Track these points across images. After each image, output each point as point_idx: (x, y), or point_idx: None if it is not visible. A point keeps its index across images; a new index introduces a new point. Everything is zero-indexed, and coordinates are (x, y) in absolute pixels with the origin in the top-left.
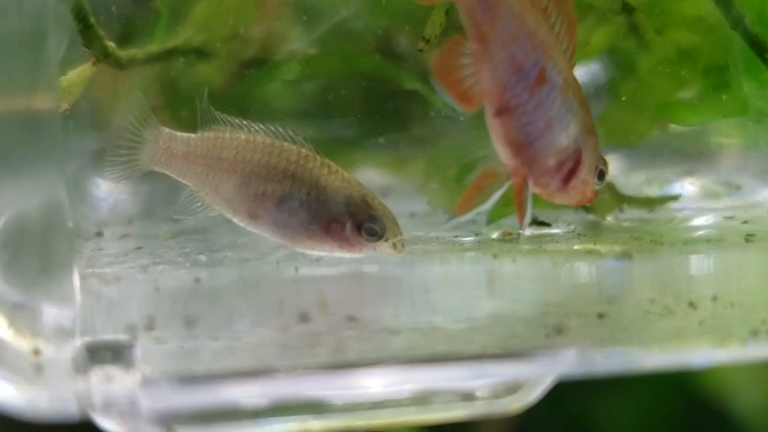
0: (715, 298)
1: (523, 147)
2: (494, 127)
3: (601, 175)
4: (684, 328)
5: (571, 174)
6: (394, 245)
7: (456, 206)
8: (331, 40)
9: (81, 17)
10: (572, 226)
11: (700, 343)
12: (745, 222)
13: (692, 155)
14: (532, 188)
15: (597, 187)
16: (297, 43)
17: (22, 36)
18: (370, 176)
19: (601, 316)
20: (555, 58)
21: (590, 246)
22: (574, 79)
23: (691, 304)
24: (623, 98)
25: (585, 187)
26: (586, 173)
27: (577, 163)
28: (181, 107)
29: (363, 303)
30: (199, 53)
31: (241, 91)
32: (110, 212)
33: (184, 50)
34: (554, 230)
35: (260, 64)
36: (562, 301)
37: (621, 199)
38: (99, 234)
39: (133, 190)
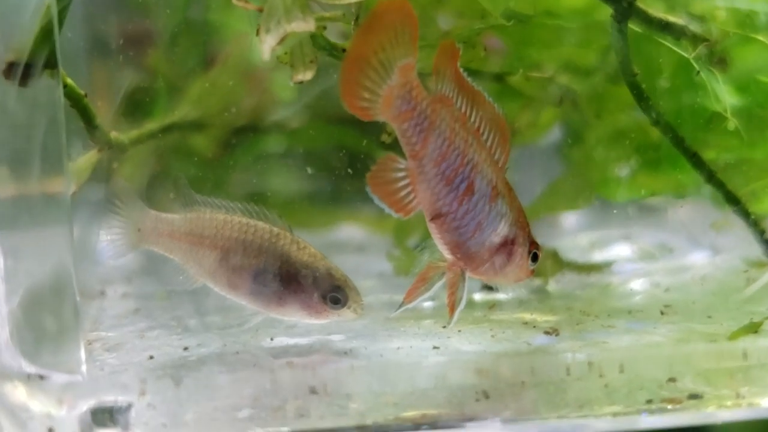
0: (622, 369)
1: (458, 246)
2: (432, 228)
3: (535, 257)
4: (591, 394)
5: (504, 263)
6: (355, 310)
7: (405, 296)
8: (312, 111)
9: (87, 119)
10: (518, 291)
11: (602, 410)
12: (667, 290)
13: (632, 220)
14: (473, 275)
15: (532, 268)
16: (282, 114)
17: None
18: (349, 232)
19: (523, 383)
20: (484, 171)
21: (528, 316)
22: (505, 184)
23: (601, 375)
24: (570, 169)
25: (520, 270)
26: (519, 260)
27: (509, 254)
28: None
29: (327, 370)
30: (194, 126)
31: (232, 157)
32: (112, 268)
33: (181, 125)
34: (501, 295)
35: (249, 133)
36: (494, 369)
37: (562, 265)
38: (102, 293)
39: None
